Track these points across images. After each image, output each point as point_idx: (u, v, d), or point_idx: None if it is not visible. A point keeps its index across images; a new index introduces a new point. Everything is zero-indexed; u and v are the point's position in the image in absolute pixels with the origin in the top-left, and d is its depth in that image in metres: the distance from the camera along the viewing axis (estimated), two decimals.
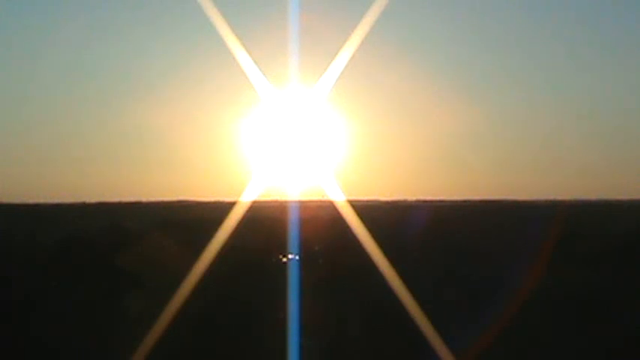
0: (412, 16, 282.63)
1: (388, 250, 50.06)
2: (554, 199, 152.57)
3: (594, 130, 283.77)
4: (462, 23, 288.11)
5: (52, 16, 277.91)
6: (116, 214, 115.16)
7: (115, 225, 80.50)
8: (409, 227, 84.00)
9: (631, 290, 48.51)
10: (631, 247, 61.00)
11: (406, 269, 46.87)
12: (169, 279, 45.49)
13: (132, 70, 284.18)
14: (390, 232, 67.28)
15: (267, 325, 43.24)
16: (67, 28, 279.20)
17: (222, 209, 64.47)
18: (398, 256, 49.66)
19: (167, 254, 54.83)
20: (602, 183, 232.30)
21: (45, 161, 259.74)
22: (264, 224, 79.02)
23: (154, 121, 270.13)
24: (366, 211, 76.51)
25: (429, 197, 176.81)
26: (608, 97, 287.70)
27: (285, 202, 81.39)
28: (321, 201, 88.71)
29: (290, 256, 55.20)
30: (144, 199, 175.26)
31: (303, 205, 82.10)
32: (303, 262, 52.72)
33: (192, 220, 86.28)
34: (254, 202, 71.37)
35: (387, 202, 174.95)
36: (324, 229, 73.00)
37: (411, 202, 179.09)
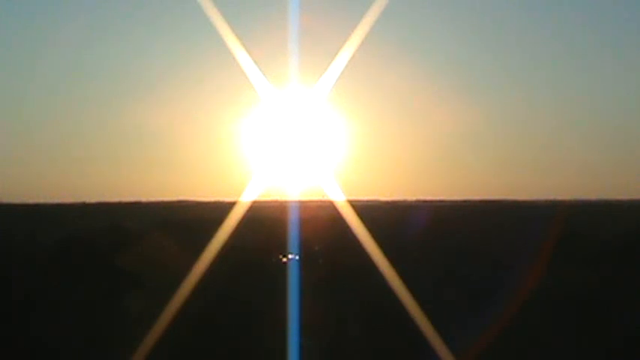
0: (412, 16, 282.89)
1: (388, 250, 50.05)
2: (554, 199, 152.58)
3: (594, 130, 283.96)
4: (462, 23, 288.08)
5: (52, 16, 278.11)
6: (116, 214, 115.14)
7: (115, 225, 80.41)
8: (409, 227, 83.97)
9: (631, 290, 48.49)
10: (631, 247, 60.96)
11: (406, 269, 46.87)
12: (169, 279, 45.49)
13: (132, 70, 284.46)
14: (390, 232, 67.26)
15: (267, 325, 43.24)
16: (67, 28, 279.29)
17: (222, 209, 64.45)
18: (398, 256, 49.65)
19: (167, 254, 54.81)
20: (602, 183, 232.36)
21: (45, 161, 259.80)
22: (264, 224, 79.02)
23: (154, 121, 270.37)
24: (366, 211, 76.50)
25: (429, 197, 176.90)
26: (608, 97, 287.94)
27: (285, 202, 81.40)
28: (321, 201, 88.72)
29: (290, 256, 55.19)
30: (144, 199, 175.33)
31: (303, 205, 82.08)
32: (303, 262, 52.70)
33: (192, 220, 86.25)
34: (254, 202, 71.37)
35: (387, 202, 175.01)
36: (324, 229, 72.99)
37: (411, 202, 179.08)
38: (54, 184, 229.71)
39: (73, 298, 46.58)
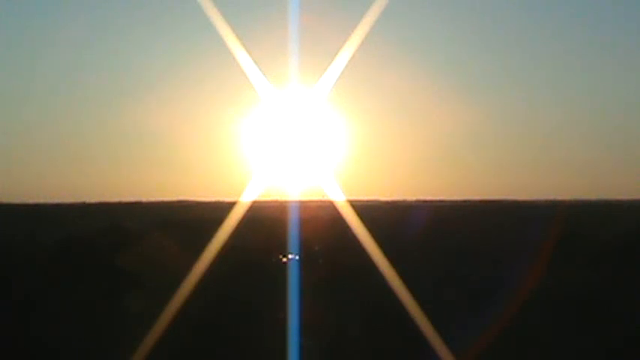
0: (412, 16, 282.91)
1: (388, 250, 50.06)
2: (554, 199, 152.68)
3: (594, 130, 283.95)
4: (462, 23, 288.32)
5: (52, 16, 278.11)
6: (116, 214, 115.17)
7: (115, 225, 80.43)
8: (409, 227, 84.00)
9: (631, 290, 48.50)
10: (631, 247, 60.98)
11: (406, 269, 46.88)
12: (169, 279, 45.50)
13: (132, 70, 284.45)
14: (390, 232, 67.29)
15: (267, 325, 43.25)
16: (67, 28, 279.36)
17: (222, 209, 64.50)
18: (398, 256, 49.66)
19: (167, 254, 54.83)
20: (602, 183, 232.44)
21: (45, 161, 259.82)
22: (264, 224, 79.03)
23: (154, 121, 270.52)
24: (366, 211, 76.54)
25: (429, 197, 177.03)
26: (608, 97, 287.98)
27: (285, 202, 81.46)
28: (321, 201, 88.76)
29: (290, 256, 55.19)
30: (144, 199, 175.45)
31: (303, 205, 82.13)
32: (303, 262, 52.70)
33: (193, 220, 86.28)
34: (254, 202, 71.38)
35: (387, 202, 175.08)
36: (324, 229, 73.02)
37: (411, 202, 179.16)
38: (54, 184, 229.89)
39: (73, 298, 46.58)
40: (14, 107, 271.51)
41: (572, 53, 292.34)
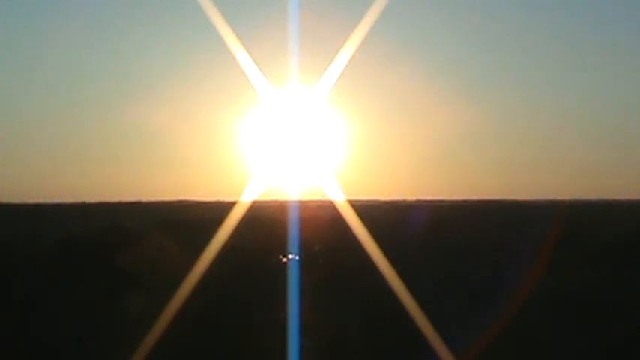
0: (412, 16, 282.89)
1: (388, 250, 50.04)
2: (554, 199, 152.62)
3: (594, 130, 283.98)
4: (462, 23, 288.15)
5: (52, 16, 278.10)
6: (116, 214, 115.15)
7: (115, 225, 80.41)
8: (409, 227, 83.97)
9: (631, 290, 48.49)
10: (631, 247, 60.96)
11: (406, 269, 46.86)
12: (169, 279, 45.49)
13: (132, 70, 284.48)
14: (390, 232, 67.24)
15: (267, 325, 43.25)
16: (67, 28, 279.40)
17: (222, 209, 64.45)
18: (398, 256, 49.64)
19: (167, 254, 54.81)
20: (602, 183, 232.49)
21: (45, 161, 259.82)
22: (264, 224, 78.96)
23: (154, 121, 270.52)
24: (366, 211, 76.51)
25: (428, 197, 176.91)
26: (608, 97, 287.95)
27: (285, 202, 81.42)
28: (321, 201, 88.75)
29: (290, 256, 55.17)
30: (144, 199, 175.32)
31: (303, 205, 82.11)
32: (303, 262, 52.68)
33: (193, 220, 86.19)
34: (254, 202, 71.36)
35: (387, 202, 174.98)
36: (324, 229, 72.99)
37: (411, 202, 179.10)
38: (54, 184, 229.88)
39: (73, 298, 46.57)
40: (14, 107, 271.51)
41: (572, 53, 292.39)
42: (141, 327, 40.68)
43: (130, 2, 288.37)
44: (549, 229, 64.16)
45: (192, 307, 43.47)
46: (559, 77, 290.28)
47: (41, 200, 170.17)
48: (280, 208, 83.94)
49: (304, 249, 57.12)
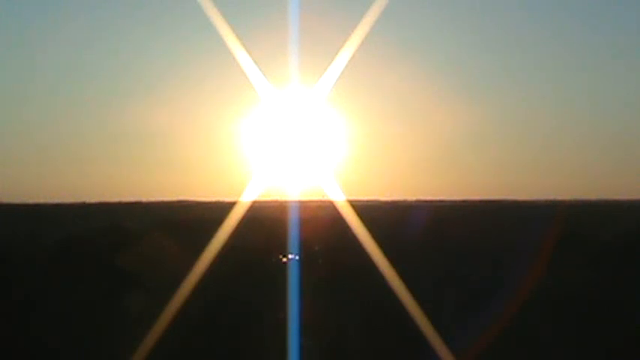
0: (412, 16, 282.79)
1: (388, 250, 50.04)
2: (554, 199, 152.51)
3: (594, 130, 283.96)
4: (462, 23, 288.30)
5: (52, 16, 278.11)
6: (116, 214, 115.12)
7: (115, 225, 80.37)
8: (409, 227, 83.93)
9: (631, 290, 48.50)
10: (631, 247, 60.93)
11: (406, 269, 46.86)
12: (169, 279, 45.49)
13: (132, 70, 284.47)
14: (390, 232, 67.21)
15: (267, 325, 43.25)
16: (67, 28, 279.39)
17: (222, 209, 64.41)
18: (398, 256, 49.64)
19: (167, 254, 54.79)
20: (602, 183, 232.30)
21: (45, 161, 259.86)
22: (264, 224, 78.94)
23: (154, 121, 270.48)
24: (366, 211, 76.44)
25: (429, 197, 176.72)
26: (608, 97, 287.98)
27: (285, 202, 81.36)
28: (321, 201, 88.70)
29: (290, 256, 55.17)
30: (144, 199, 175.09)
31: (303, 205, 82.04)
32: (303, 262, 52.69)
33: (193, 220, 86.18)
34: (254, 202, 71.32)
35: (387, 202, 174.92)
36: (324, 229, 72.94)
37: (411, 202, 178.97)
38: (54, 184, 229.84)
39: (73, 298, 46.58)
40: (14, 107, 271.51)
41: (572, 53, 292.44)
42: (141, 327, 40.68)
43: (130, 2, 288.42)
44: (549, 229, 64.13)
45: (192, 307, 43.47)
46: (559, 77, 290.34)
47: (41, 200, 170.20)
48: (280, 208, 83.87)
49: (304, 249, 57.11)
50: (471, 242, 71.80)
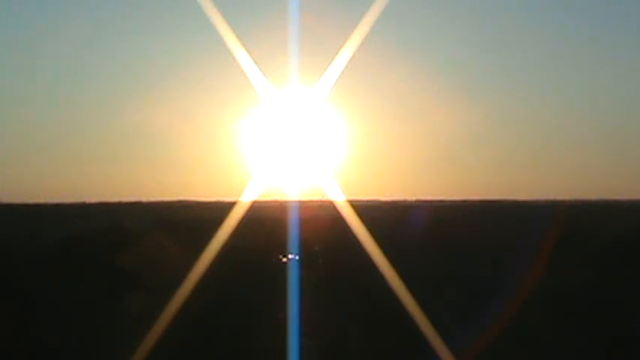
0: (412, 16, 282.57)
1: (388, 250, 50.05)
2: (554, 199, 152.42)
3: (594, 130, 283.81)
4: (462, 23, 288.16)
5: (52, 16, 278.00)
6: (116, 214, 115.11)
7: (115, 225, 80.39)
8: (409, 227, 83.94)
9: (631, 290, 48.51)
10: (631, 247, 60.95)
11: (406, 269, 46.87)
12: (169, 279, 45.49)
13: (132, 70, 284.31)
14: (390, 232, 67.22)
15: (267, 325, 43.26)
16: (67, 28, 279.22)
17: (222, 209, 64.41)
18: (398, 256, 49.65)
19: (167, 254, 54.81)
20: (602, 183, 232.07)
21: (45, 161, 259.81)
22: (264, 224, 78.95)
23: (154, 121, 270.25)
24: (366, 211, 76.43)
25: (429, 197, 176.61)
26: (608, 97, 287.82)
27: (285, 202, 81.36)
28: (321, 201, 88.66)
29: (290, 256, 55.18)
30: (144, 199, 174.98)
31: (303, 205, 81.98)
32: (303, 262, 52.71)
33: (193, 220, 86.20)
34: (254, 202, 71.32)
35: (387, 202, 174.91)
36: (324, 229, 72.96)
37: (411, 202, 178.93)
38: (54, 184, 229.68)
39: (73, 298, 46.59)
40: (14, 107, 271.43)
41: (572, 53, 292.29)
42: (141, 327, 40.68)
43: (130, 2, 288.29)
44: (549, 229, 64.14)
45: (192, 307, 43.47)
46: (559, 77, 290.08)
47: (41, 200, 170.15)
48: (280, 208, 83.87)
49: (304, 249, 57.13)
50: (471, 242, 71.82)
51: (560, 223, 69.31)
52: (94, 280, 49.50)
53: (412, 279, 45.43)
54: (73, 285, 48.73)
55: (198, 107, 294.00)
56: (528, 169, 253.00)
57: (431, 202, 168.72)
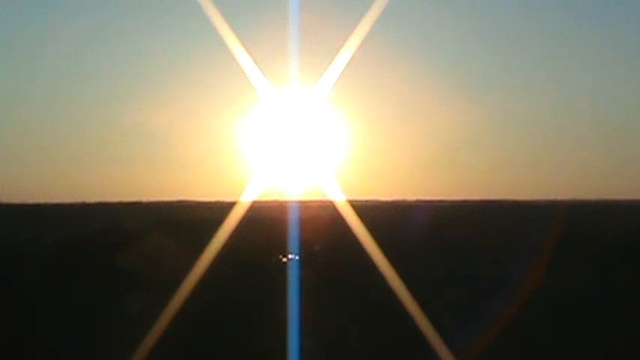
0: (412, 16, 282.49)
1: (388, 250, 50.06)
2: (554, 199, 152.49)
3: (594, 130, 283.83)
4: (462, 23, 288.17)
5: (52, 16, 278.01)
6: (116, 214, 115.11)
7: (115, 225, 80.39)
8: (409, 227, 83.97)
9: (631, 290, 48.52)
10: (631, 247, 60.97)
11: (406, 269, 46.88)
12: (169, 279, 45.50)
13: (132, 70, 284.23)
14: (390, 232, 67.24)
15: (267, 325, 43.25)
16: (67, 28, 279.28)
17: (222, 209, 64.42)
18: (398, 256, 49.66)
19: (167, 254, 54.82)
20: (602, 183, 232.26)
21: (45, 161, 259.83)
22: (264, 224, 78.94)
23: (154, 121, 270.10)
24: (366, 211, 76.44)
25: (428, 197, 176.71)
26: (608, 97, 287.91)
27: (285, 202, 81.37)
28: (321, 201, 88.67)
29: (290, 256, 55.19)
30: (144, 199, 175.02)
31: (303, 205, 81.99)
32: (303, 262, 52.72)
33: (193, 220, 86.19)
34: (254, 202, 71.33)
35: (386, 202, 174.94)
36: (324, 229, 72.97)
37: (411, 202, 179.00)
38: (54, 184, 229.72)
39: (73, 298, 46.60)
40: (14, 107, 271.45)
41: (572, 53, 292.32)
42: (141, 327, 40.68)
43: (130, 2, 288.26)
44: (549, 229, 64.16)
45: (192, 307, 43.47)
46: (559, 77, 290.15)
47: (41, 200, 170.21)
48: (280, 208, 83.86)
49: (304, 249, 57.15)
50: (471, 242, 71.85)
51: (560, 223, 69.33)
52: (94, 280, 49.52)
53: (412, 279, 45.43)
54: (73, 285, 48.74)
55: (198, 107, 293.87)
56: (528, 169, 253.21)
57: (431, 202, 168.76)
